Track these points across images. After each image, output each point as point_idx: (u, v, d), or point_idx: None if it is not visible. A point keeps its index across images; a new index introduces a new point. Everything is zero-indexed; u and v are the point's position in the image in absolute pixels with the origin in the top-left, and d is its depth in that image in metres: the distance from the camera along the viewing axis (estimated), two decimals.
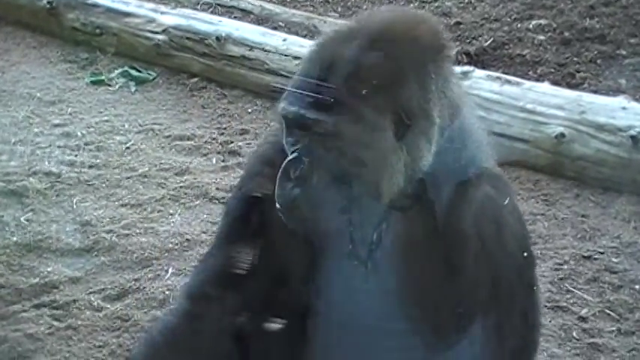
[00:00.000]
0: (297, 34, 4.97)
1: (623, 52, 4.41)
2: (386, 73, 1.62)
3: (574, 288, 2.99)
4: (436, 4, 5.21)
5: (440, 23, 1.78)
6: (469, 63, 4.40)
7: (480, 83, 3.93)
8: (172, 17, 5.12)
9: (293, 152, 1.66)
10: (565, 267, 3.11)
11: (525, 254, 1.79)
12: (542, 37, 4.67)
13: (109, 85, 5.06)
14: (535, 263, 1.87)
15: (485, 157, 1.76)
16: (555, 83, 4.15)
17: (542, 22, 4.75)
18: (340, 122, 1.61)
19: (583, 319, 2.84)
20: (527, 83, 3.94)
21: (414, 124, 1.63)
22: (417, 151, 1.65)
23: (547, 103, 3.74)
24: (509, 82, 3.92)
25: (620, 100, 3.66)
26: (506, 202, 1.75)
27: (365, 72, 1.61)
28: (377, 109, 1.61)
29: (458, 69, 4.05)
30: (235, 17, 5.29)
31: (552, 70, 4.39)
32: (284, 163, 1.66)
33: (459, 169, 1.71)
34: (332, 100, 1.61)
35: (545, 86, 3.92)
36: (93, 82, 5.12)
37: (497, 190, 1.75)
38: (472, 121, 1.76)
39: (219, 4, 5.57)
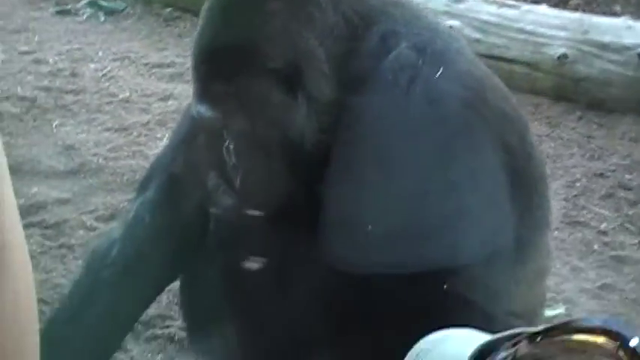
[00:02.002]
0: None
1: None
2: (245, 32, 1.56)
3: (590, 204, 2.90)
4: None
5: None
6: None
7: (477, 6, 3.80)
8: None
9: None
10: (578, 184, 3.02)
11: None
12: None
13: (76, 15, 4.83)
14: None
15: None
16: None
17: None
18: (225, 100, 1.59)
19: (603, 232, 2.76)
20: (526, 5, 3.83)
21: (300, 73, 1.55)
22: (318, 94, 1.56)
23: (547, 24, 3.63)
24: (506, 4, 3.80)
25: (624, 20, 3.58)
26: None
27: (227, 37, 1.57)
28: (251, 72, 1.56)
29: None
30: None
31: None
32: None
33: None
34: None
35: (544, 8, 3.81)
36: (58, 12, 4.88)
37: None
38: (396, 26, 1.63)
39: None
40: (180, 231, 1.82)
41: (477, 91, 1.63)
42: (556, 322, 0.83)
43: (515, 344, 0.82)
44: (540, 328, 0.82)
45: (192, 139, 1.79)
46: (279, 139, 1.60)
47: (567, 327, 0.80)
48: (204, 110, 1.62)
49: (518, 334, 0.85)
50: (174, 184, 1.83)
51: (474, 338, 0.94)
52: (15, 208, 1.03)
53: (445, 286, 1.52)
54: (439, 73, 1.58)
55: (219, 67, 1.58)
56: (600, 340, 0.78)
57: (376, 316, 1.50)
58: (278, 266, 1.68)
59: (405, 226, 1.50)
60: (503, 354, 0.83)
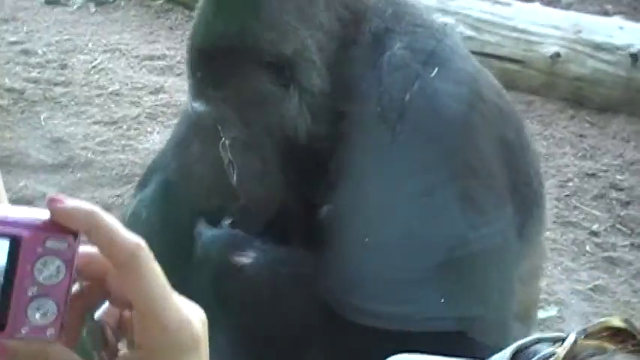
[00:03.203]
0: None
1: None
2: (234, 31, 1.55)
3: (582, 204, 2.90)
4: None
5: None
6: None
7: (470, 3, 3.78)
8: None
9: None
10: (570, 184, 3.02)
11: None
12: None
13: (66, 6, 4.78)
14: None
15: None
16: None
17: None
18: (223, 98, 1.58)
19: (595, 233, 2.76)
20: (518, 3, 3.82)
21: (292, 65, 1.54)
22: (309, 85, 1.56)
23: (540, 22, 3.62)
24: (499, 2, 3.78)
25: (616, 20, 3.57)
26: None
27: (220, 32, 1.56)
28: (243, 69, 1.55)
29: None
30: None
31: None
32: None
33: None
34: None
35: (537, 6, 3.80)
36: (48, 2, 4.82)
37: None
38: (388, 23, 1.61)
39: None
40: (176, 232, 1.80)
41: (473, 88, 1.62)
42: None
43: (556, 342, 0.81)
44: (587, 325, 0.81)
45: (190, 137, 1.78)
46: (273, 132, 1.59)
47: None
48: (198, 105, 1.61)
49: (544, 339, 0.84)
50: (172, 183, 1.81)
51: None
52: (5, 201, 1.01)
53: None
54: (434, 73, 1.56)
55: (212, 62, 1.57)
56: None
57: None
58: (270, 274, 1.67)
59: (404, 231, 1.48)
60: (545, 352, 0.82)
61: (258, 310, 1.64)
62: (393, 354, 1.05)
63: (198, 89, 1.59)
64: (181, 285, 1.85)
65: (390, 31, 1.59)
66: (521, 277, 1.67)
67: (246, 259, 1.68)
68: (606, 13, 4.06)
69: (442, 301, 1.47)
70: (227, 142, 1.60)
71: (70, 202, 0.66)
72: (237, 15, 1.54)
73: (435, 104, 1.54)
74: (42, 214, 0.66)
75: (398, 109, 1.53)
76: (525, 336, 0.92)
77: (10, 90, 3.71)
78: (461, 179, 1.51)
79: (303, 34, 1.55)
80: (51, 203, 0.65)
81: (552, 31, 3.57)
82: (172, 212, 1.77)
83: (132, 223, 1.84)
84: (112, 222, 0.67)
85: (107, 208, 2.90)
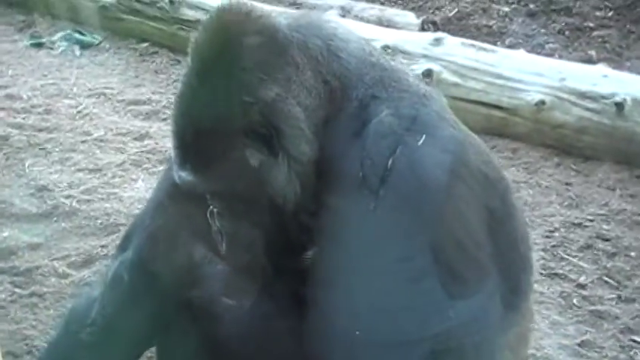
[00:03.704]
0: None
1: (591, 24, 4.36)
2: (219, 103, 1.55)
3: (568, 255, 2.89)
4: None
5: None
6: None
7: (454, 49, 3.81)
8: None
9: None
10: (556, 234, 3.01)
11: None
12: (506, 9, 4.59)
13: (51, 49, 4.78)
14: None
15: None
16: None
17: None
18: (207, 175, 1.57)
19: (582, 286, 2.74)
20: (503, 50, 3.85)
21: (280, 134, 1.54)
22: (298, 153, 1.55)
23: (525, 70, 3.64)
24: (484, 49, 3.80)
25: (601, 68, 3.59)
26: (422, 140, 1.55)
27: (205, 103, 1.55)
28: (231, 141, 1.54)
29: (430, 36, 3.94)
30: None
31: (521, 40, 4.32)
32: None
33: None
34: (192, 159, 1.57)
35: (522, 53, 3.83)
36: (33, 45, 4.83)
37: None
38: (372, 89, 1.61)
39: None
40: (158, 294, 1.78)
41: (460, 156, 1.61)
42: None
43: None
44: None
45: (172, 199, 1.76)
46: (261, 201, 1.58)
47: None
48: (184, 175, 1.59)
49: None
50: (153, 245, 1.79)
51: None
52: None
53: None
54: (420, 140, 1.56)
55: (198, 134, 1.55)
56: None
57: None
58: (258, 333, 1.65)
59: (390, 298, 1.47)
60: None
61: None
62: None
63: (184, 159, 1.57)
64: (162, 345, 1.83)
65: (375, 97, 1.59)
66: (509, 344, 1.65)
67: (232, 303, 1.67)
68: (590, 59, 4.09)
69: None
70: (215, 211, 1.58)
71: None
72: (222, 87, 1.53)
73: (418, 172, 1.53)
74: None
75: (381, 176, 1.52)
76: None
77: None
78: (443, 250, 1.50)
79: (291, 103, 1.55)
80: None
81: (537, 78, 3.59)
82: (152, 276, 1.76)
83: (114, 286, 1.82)
84: None
85: (92, 258, 2.89)
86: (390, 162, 1.52)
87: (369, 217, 1.51)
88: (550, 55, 4.15)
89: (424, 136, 1.55)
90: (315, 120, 1.57)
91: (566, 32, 4.33)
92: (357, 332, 1.45)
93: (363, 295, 1.47)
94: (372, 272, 1.48)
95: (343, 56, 1.60)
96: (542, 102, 3.52)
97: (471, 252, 1.54)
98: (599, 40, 4.26)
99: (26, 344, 2.49)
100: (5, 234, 3.02)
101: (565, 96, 3.50)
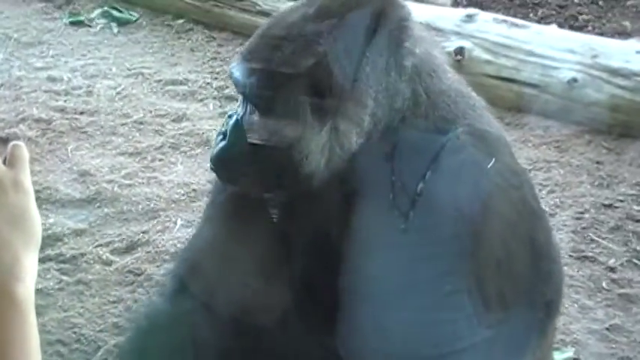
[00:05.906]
0: None
1: None
2: (310, 53, 1.57)
3: (598, 237, 2.94)
4: None
5: None
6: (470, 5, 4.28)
7: (486, 26, 3.82)
8: None
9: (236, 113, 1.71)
10: (586, 215, 3.05)
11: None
12: None
13: (90, 26, 4.86)
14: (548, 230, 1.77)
15: (463, 116, 1.64)
16: (559, 26, 4.06)
17: None
18: (268, 104, 1.62)
19: (611, 269, 2.79)
20: (535, 26, 3.85)
21: (340, 105, 1.56)
22: (345, 132, 1.58)
23: (557, 46, 3.65)
24: (516, 25, 3.81)
25: (633, 44, 3.59)
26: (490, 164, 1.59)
27: (293, 54, 1.58)
28: (297, 91, 1.57)
29: (462, 12, 3.95)
30: None
31: (554, 12, 4.30)
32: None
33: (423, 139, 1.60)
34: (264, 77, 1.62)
35: (554, 29, 3.83)
36: (72, 23, 4.91)
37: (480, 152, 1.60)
38: (443, 85, 1.65)
39: None
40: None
41: (518, 187, 1.66)
42: None
43: None
44: None
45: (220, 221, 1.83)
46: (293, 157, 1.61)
47: None
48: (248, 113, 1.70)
49: None
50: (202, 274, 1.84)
51: None
52: None
53: None
54: (490, 164, 1.60)
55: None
56: None
57: None
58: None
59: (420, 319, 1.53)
60: None
61: None
62: None
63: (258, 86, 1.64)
64: None
65: (453, 120, 1.62)
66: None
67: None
68: (624, 31, 4.07)
69: None
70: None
71: None
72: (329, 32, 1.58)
73: (485, 196, 1.57)
74: None
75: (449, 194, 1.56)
76: None
77: (38, 120, 3.79)
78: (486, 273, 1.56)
79: (370, 92, 1.57)
80: None
81: (569, 55, 3.60)
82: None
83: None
84: None
85: (134, 244, 3.00)
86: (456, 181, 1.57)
87: (402, 236, 1.56)
88: (584, 26, 4.14)
89: (493, 161, 1.60)
90: (376, 122, 1.60)
91: (600, 2, 4.31)
92: (386, 349, 1.52)
93: (389, 312, 1.54)
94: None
95: (435, 76, 1.63)
96: (575, 79, 3.54)
97: (507, 277, 1.60)
98: (634, 10, 4.23)
99: (74, 332, 2.61)
100: (51, 220, 3.13)
101: (597, 73, 3.51)
